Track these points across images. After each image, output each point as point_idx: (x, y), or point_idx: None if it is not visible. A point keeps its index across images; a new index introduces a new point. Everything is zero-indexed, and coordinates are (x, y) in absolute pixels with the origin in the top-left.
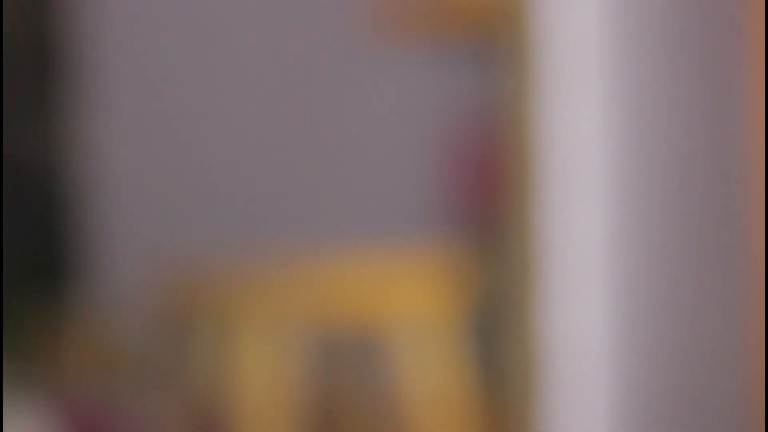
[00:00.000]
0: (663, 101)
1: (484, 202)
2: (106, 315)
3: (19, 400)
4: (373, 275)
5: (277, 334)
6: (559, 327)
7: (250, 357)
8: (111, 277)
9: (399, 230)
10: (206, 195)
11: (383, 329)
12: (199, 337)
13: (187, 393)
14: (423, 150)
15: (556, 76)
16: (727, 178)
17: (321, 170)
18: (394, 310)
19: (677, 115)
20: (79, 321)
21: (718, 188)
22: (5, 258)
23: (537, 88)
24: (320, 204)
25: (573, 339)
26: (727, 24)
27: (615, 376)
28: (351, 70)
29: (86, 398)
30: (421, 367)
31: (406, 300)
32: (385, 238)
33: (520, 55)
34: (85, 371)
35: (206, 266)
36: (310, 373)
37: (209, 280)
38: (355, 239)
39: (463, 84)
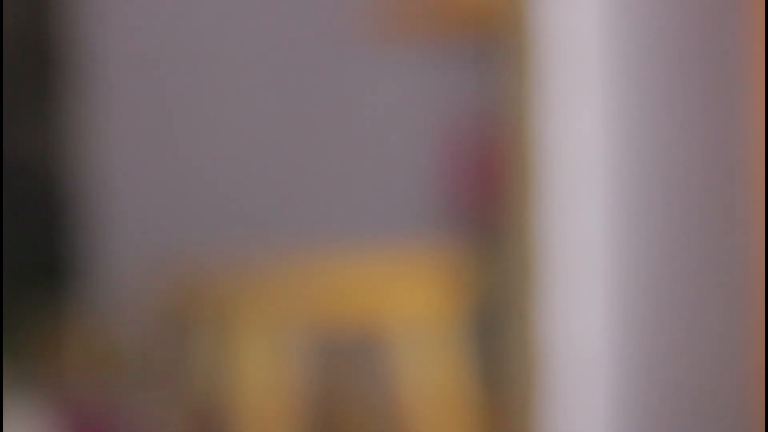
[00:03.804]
0: (663, 101)
1: (484, 203)
2: (106, 315)
3: (19, 400)
4: (373, 275)
5: (277, 334)
6: (559, 327)
7: (250, 357)
8: (111, 278)
9: (399, 230)
10: (206, 195)
11: (383, 329)
12: (199, 337)
13: (187, 393)
14: (423, 150)
15: (556, 76)
16: (728, 178)
17: (321, 170)
18: (394, 310)
19: (678, 116)
20: (79, 321)
21: (719, 189)
22: (5, 258)
23: (537, 88)
24: (320, 204)
25: (573, 339)
26: (728, 24)
27: (615, 377)
28: (351, 70)
29: (86, 398)
30: (421, 367)
31: (406, 300)
32: (385, 238)
33: (520, 55)
34: (85, 371)
35: (206, 266)
36: (310, 373)
37: (209, 280)
38: (355, 239)
39: (463, 84)
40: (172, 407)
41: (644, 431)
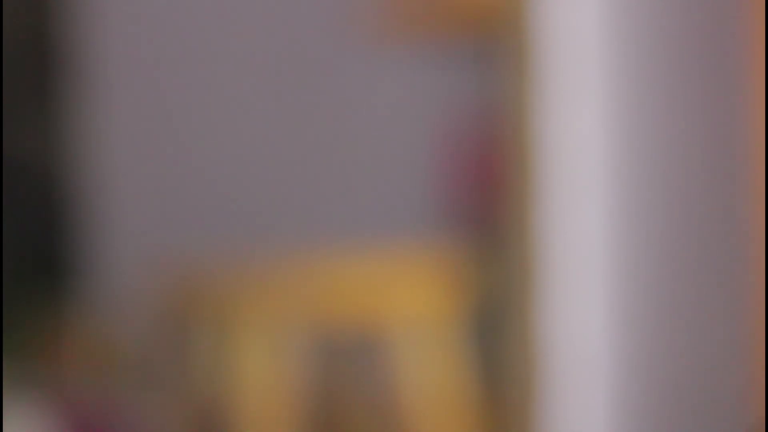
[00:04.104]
0: (663, 102)
1: (484, 203)
2: (106, 315)
3: (19, 400)
4: (373, 275)
5: (277, 334)
6: (559, 327)
7: (250, 357)
8: (111, 278)
9: (399, 230)
10: (206, 195)
11: (383, 329)
12: (199, 337)
13: (187, 393)
14: (423, 150)
15: (556, 76)
16: (728, 179)
17: (321, 170)
18: (394, 310)
19: (678, 116)
20: (79, 321)
21: (720, 190)
22: (5, 258)
23: (537, 88)
24: (320, 204)
25: (573, 339)
26: (728, 24)
27: (615, 377)
28: (351, 70)
29: (86, 398)
30: (421, 367)
31: (406, 300)
32: (385, 238)
33: (520, 55)
34: (85, 371)
35: (206, 266)
36: (310, 373)
37: (209, 280)
38: (355, 239)
39: (463, 84)
40: (172, 407)
41: (644, 431)
